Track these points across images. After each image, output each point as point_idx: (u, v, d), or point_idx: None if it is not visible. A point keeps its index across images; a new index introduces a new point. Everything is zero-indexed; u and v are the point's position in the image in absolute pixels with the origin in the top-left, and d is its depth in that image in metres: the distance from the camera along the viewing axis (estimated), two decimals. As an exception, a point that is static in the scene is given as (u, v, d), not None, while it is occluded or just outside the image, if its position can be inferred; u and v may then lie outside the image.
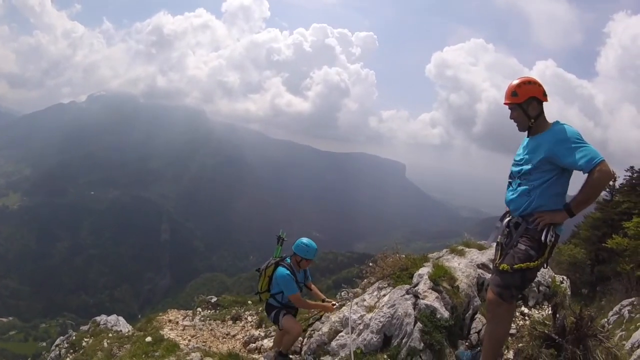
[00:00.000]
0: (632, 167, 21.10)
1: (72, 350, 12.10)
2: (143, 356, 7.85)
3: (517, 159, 4.27)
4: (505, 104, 4.19)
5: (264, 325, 10.00)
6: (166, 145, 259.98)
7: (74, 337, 13.20)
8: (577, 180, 3.95)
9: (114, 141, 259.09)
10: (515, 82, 4.13)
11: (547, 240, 3.99)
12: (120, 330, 12.66)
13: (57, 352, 12.59)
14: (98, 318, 14.01)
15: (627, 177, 21.32)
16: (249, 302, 12.82)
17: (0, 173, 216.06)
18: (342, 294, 8.25)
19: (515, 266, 4.02)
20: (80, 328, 14.56)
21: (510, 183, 4.34)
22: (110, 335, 12.05)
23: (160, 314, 12.63)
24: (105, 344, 10.81)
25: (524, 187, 4.13)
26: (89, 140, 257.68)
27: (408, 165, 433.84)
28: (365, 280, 7.55)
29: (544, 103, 4.11)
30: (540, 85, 4.08)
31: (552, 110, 4.15)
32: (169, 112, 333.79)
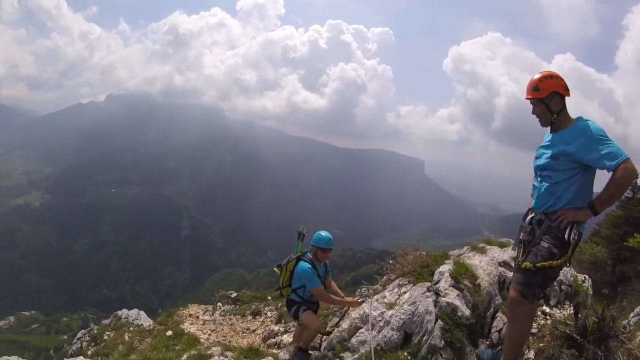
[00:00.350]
0: (655, 164, 20.62)
1: (93, 344, 12.15)
2: (164, 350, 7.90)
3: (540, 155, 4.21)
4: (526, 98, 4.13)
5: (283, 321, 10.06)
6: (184, 143, 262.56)
7: (95, 331, 13.28)
8: (602, 178, 3.90)
9: (132, 140, 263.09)
10: (537, 76, 4.07)
11: (571, 238, 3.94)
12: (142, 324, 12.71)
13: (79, 345, 12.64)
14: (119, 312, 14.03)
15: (650, 174, 20.81)
16: (269, 297, 12.91)
17: (22, 172, 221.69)
18: (362, 290, 8.26)
19: (538, 264, 3.97)
20: (102, 322, 14.64)
21: (534, 180, 4.28)
22: (131, 329, 12.12)
23: (180, 308, 12.76)
24: (127, 338, 10.89)
25: (548, 184, 4.08)
26: (107, 139, 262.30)
27: (427, 161, 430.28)
28: (385, 277, 7.53)
29: (566, 98, 4.05)
30: (562, 80, 4.01)
31: (571, 106, 4.07)
32: (186, 111, 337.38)
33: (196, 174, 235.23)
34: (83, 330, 14.25)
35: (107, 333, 12.49)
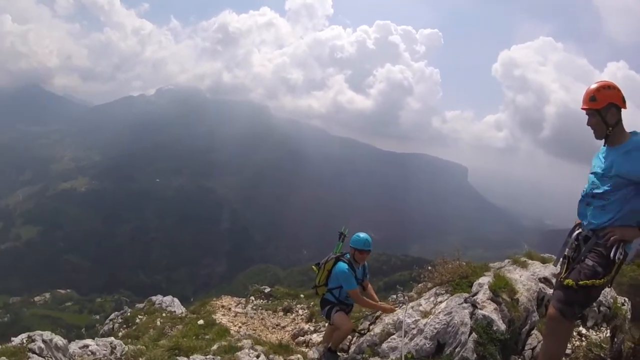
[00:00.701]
0: None
1: (125, 326, 12.47)
2: (194, 338, 8.02)
3: (593, 169, 4.08)
4: (582, 109, 4.00)
5: (314, 320, 10.07)
6: (230, 139, 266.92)
7: (128, 314, 13.61)
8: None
9: (179, 133, 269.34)
10: (594, 86, 3.95)
11: (616, 257, 3.79)
12: (174, 311, 12.99)
13: (111, 326, 13.01)
14: (154, 297, 14.31)
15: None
16: (302, 295, 12.94)
17: (71, 158, 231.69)
18: (398, 296, 8.18)
19: (581, 282, 3.83)
20: (136, 305, 14.98)
21: (584, 194, 4.14)
22: (163, 314, 12.39)
23: (214, 299, 12.95)
24: (158, 323, 11.11)
25: (599, 200, 3.94)
26: (156, 132, 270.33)
27: (470, 168, 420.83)
28: (421, 284, 7.46)
29: (622, 110, 3.91)
30: (619, 91, 3.88)
31: (623, 118, 3.97)
32: (233, 107, 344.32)
33: (240, 170, 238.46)
34: (116, 312, 14.66)
35: (139, 317, 12.78)
